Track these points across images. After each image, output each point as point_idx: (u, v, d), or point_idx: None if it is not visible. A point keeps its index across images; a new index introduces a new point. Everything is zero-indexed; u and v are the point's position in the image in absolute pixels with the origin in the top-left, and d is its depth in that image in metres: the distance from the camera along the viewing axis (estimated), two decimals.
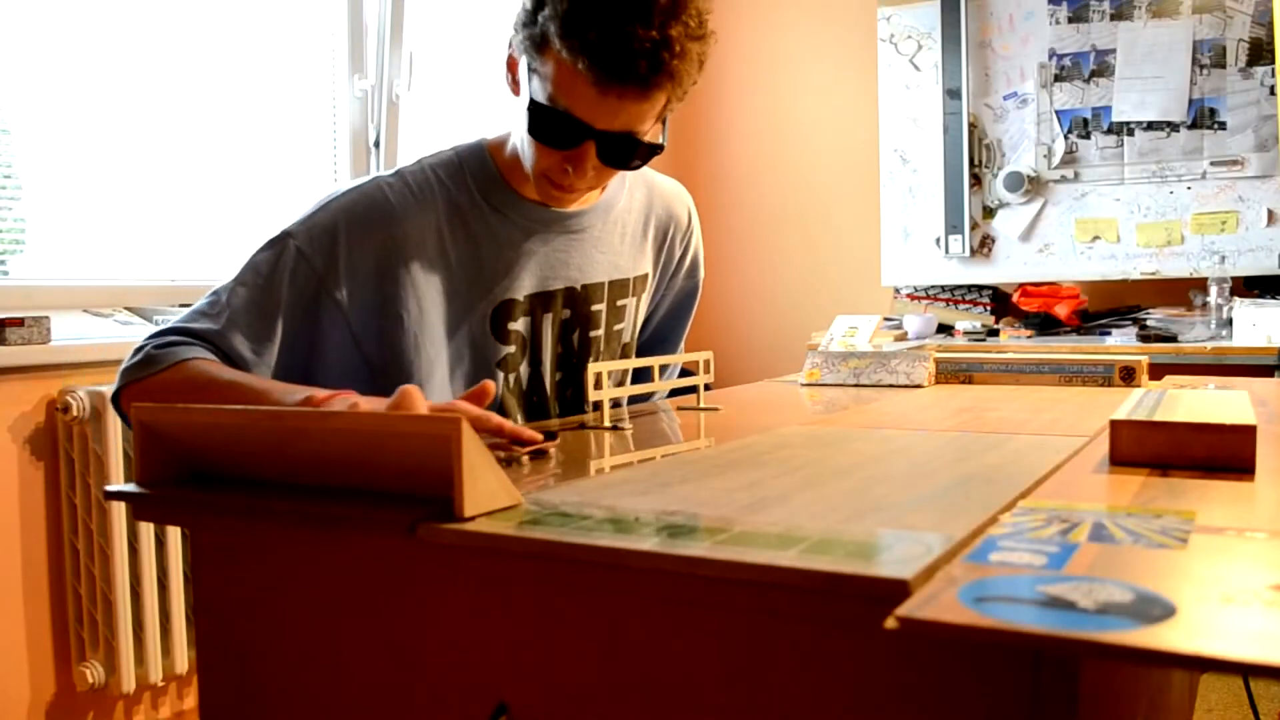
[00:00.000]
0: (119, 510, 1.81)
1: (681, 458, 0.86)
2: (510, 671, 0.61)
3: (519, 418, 1.26)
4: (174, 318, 1.11)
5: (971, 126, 3.15)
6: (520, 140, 1.15)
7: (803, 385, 1.51)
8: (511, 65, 1.14)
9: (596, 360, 1.31)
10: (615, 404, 1.36)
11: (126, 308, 2.07)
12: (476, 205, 1.19)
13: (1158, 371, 1.54)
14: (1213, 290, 2.75)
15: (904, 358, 1.47)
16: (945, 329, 3.19)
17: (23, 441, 1.79)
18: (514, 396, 1.24)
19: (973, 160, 3.15)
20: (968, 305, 3.24)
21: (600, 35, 1.00)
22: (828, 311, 2.98)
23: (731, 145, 3.70)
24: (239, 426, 0.72)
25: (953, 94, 3.16)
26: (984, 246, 3.16)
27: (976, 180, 3.16)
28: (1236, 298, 2.69)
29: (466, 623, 0.63)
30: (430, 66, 2.77)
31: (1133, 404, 0.89)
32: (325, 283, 1.11)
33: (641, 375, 1.39)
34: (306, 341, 1.12)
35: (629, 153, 1.11)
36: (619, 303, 1.32)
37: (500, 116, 3.01)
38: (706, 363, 1.29)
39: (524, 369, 1.24)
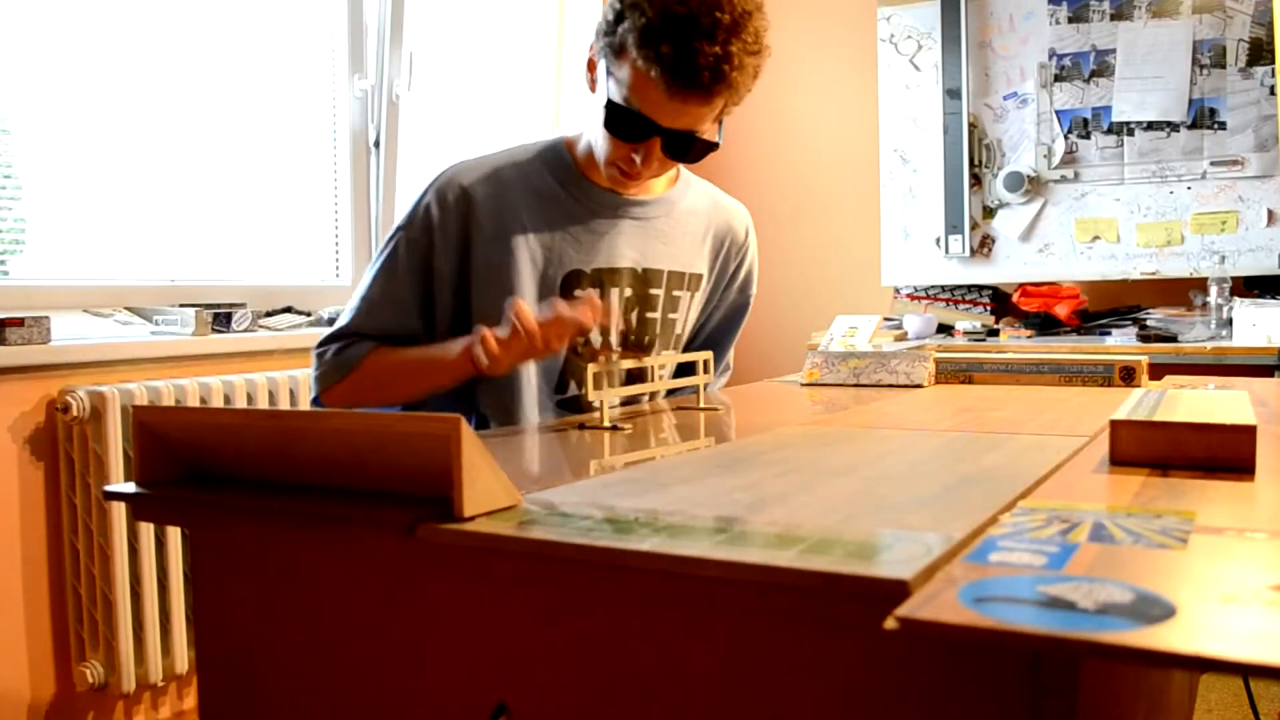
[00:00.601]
0: (119, 510, 1.81)
1: (681, 458, 0.86)
2: (510, 671, 0.61)
3: (590, 381, 1.32)
4: (337, 319, 1.35)
5: (971, 126, 3.15)
6: (595, 133, 1.32)
7: (803, 385, 1.51)
8: (591, 66, 1.31)
9: (654, 341, 1.44)
10: (635, 400, 1.42)
11: (126, 308, 2.07)
12: (552, 189, 1.36)
13: (1158, 371, 1.54)
14: (1213, 290, 2.75)
15: (904, 358, 1.47)
16: (945, 329, 3.19)
17: (23, 441, 1.79)
18: (582, 360, 1.37)
19: (973, 160, 3.15)
20: (968, 305, 3.24)
21: (672, 48, 1.16)
22: (828, 311, 2.98)
23: (731, 145, 3.70)
24: (239, 426, 0.72)
25: (953, 94, 3.16)
26: (984, 246, 3.16)
27: (976, 180, 3.16)
28: (1236, 298, 2.69)
29: (466, 623, 0.63)
30: (430, 66, 2.77)
31: (1133, 404, 0.89)
32: (428, 254, 1.31)
33: (640, 375, 1.40)
34: (426, 304, 1.33)
35: (689, 148, 1.27)
36: (675, 293, 1.45)
37: (498, 119, 3.01)
38: (706, 363, 1.29)
39: (593, 335, 1.38)
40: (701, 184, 1.51)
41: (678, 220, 1.44)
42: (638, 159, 1.27)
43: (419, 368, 1.28)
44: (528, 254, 1.33)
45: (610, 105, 1.24)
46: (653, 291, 1.42)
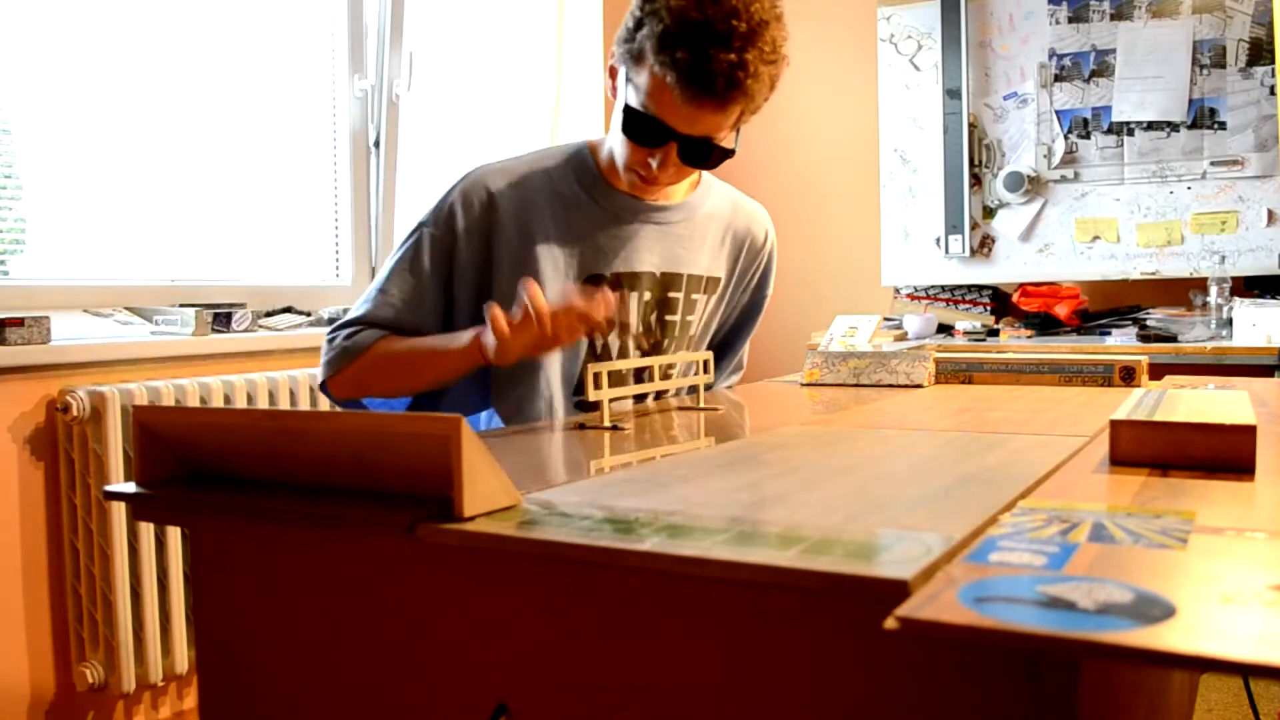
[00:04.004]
0: (119, 510, 1.81)
1: (681, 458, 0.86)
2: (510, 671, 0.61)
3: (589, 380, 1.32)
4: (351, 310, 1.36)
5: (971, 126, 3.15)
6: (615, 138, 1.33)
7: (803, 385, 1.51)
8: (612, 73, 1.33)
9: (672, 343, 1.46)
10: (641, 399, 1.43)
11: (126, 308, 2.07)
12: (575, 193, 1.38)
13: (1158, 371, 1.54)
14: (1213, 290, 2.75)
15: (904, 358, 1.47)
16: (945, 329, 3.19)
17: (23, 441, 1.79)
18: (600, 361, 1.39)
19: (973, 160, 3.15)
20: (968, 305, 3.24)
21: (689, 55, 1.18)
22: (828, 311, 2.98)
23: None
24: (239, 426, 0.72)
25: (953, 94, 3.16)
26: (984, 246, 3.16)
27: (976, 180, 3.16)
28: (1236, 298, 2.69)
29: (466, 623, 0.63)
30: (430, 66, 2.77)
31: (1133, 404, 0.89)
32: (452, 251, 1.33)
33: (642, 375, 1.40)
34: (447, 300, 1.35)
35: (705, 154, 1.30)
36: (693, 296, 1.47)
37: (498, 119, 3.00)
38: (706, 363, 1.29)
39: (611, 338, 1.40)
40: (722, 187, 1.53)
41: (698, 225, 1.46)
42: (654, 164, 1.29)
43: (426, 356, 1.27)
44: (549, 257, 1.34)
45: (628, 110, 1.27)
46: (672, 295, 1.43)
